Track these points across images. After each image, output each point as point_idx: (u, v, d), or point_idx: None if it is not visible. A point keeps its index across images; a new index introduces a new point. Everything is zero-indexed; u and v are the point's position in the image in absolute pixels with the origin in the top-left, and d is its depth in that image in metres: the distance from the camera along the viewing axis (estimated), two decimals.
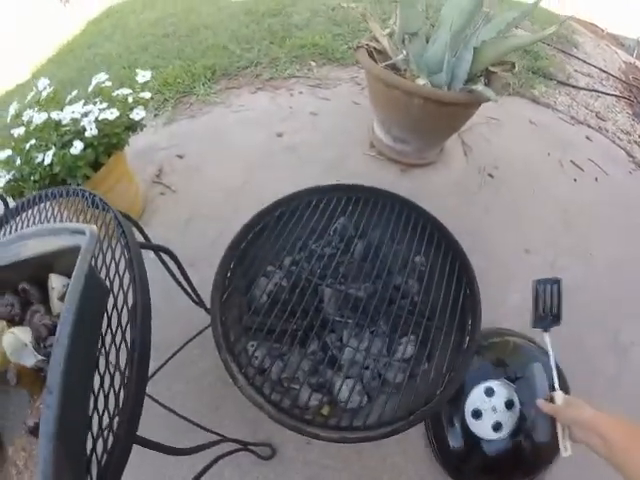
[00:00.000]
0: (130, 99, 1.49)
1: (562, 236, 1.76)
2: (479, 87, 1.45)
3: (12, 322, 0.62)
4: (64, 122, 1.39)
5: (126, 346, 0.56)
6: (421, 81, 1.50)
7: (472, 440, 1.08)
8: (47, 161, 1.29)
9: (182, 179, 1.76)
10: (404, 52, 1.60)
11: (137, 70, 1.57)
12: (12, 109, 1.54)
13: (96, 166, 1.40)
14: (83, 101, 1.48)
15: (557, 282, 0.89)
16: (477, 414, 1.07)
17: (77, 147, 1.32)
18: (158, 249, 0.96)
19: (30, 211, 0.83)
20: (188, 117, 2.09)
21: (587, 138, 2.26)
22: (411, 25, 1.57)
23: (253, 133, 1.99)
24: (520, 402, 1.04)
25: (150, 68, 2.41)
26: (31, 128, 1.40)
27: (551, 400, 0.79)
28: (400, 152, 1.86)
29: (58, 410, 0.43)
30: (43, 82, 1.56)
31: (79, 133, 1.36)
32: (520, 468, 1.11)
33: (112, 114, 1.38)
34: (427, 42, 1.64)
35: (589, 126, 2.34)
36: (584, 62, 2.93)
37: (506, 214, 1.77)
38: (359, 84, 2.27)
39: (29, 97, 1.54)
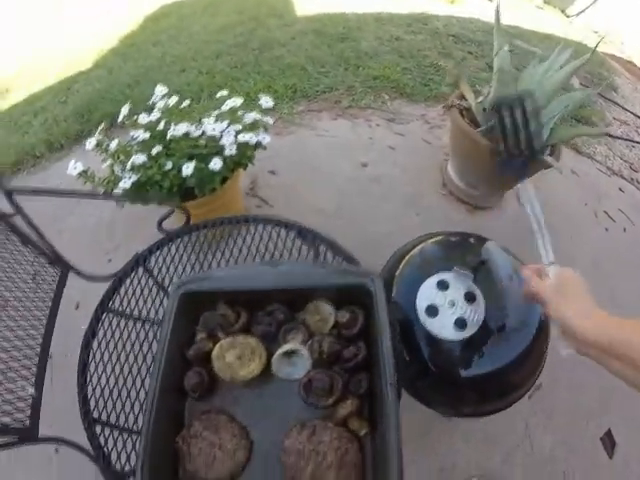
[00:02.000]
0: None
1: (590, 275, 1.88)
2: (547, 157, 1.62)
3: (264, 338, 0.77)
4: (194, 135, 1.48)
5: None
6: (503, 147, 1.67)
7: (432, 347, 0.89)
8: (187, 172, 1.36)
9: (277, 195, 1.86)
10: (492, 120, 1.73)
11: (260, 95, 1.66)
12: (124, 109, 1.61)
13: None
14: (214, 118, 1.57)
15: (521, 100, 0.73)
16: (432, 311, 0.88)
17: (217, 164, 1.40)
18: None
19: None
20: (274, 134, 2.16)
21: (620, 189, 2.37)
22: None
23: (339, 159, 2.09)
24: (482, 293, 0.88)
25: (231, 79, 2.51)
26: (168, 137, 1.47)
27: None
28: (469, 195, 2.00)
29: None
30: (160, 89, 1.64)
31: (217, 150, 1.46)
32: (496, 383, 0.93)
33: (251, 138, 1.48)
34: None
35: (622, 177, 2.44)
36: (622, 108, 2.85)
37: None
38: (428, 122, 2.38)
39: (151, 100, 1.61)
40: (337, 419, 0.69)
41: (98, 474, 1.33)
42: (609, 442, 1.37)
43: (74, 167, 1.49)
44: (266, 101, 1.65)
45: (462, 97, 1.85)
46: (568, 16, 3.26)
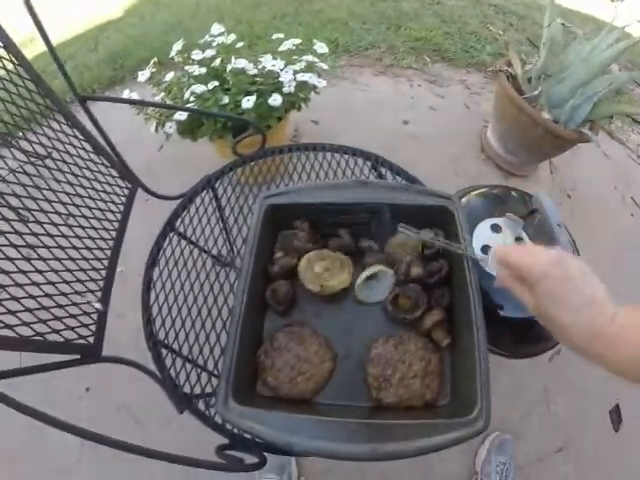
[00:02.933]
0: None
1: (612, 258, 1.86)
2: (587, 131, 1.65)
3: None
4: (250, 72, 1.45)
5: None
6: (546, 115, 1.69)
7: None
8: (247, 106, 1.35)
9: None
10: (539, 89, 1.72)
11: (314, 40, 1.64)
12: (177, 46, 1.58)
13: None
14: (271, 56, 1.54)
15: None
16: (485, 251, 0.94)
17: (277, 100, 1.39)
18: None
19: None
20: None
21: None
22: (550, 68, 1.72)
23: (380, 114, 2.06)
24: (530, 239, 0.94)
25: (273, 29, 2.45)
26: (227, 72, 1.45)
27: None
28: (507, 162, 1.99)
29: None
30: (217, 27, 1.61)
31: (278, 87, 1.43)
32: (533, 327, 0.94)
33: (310, 78, 1.45)
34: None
35: None
36: None
37: (574, 231, 1.93)
38: (468, 88, 2.35)
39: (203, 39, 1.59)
40: (422, 330, 0.70)
41: (129, 414, 1.39)
42: (616, 417, 1.41)
43: (129, 95, 1.48)
44: (321, 47, 1.62)
45: (509, 64, 1.83)
46: (613, 0, 3.14)
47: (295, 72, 1.46)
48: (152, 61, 1.57)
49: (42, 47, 0.79)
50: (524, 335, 1.01)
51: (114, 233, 0.91)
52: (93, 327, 0.77)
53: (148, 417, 1.36)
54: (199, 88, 1.38)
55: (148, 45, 2.59)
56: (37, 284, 0.68)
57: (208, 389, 0.80)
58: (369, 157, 1.03)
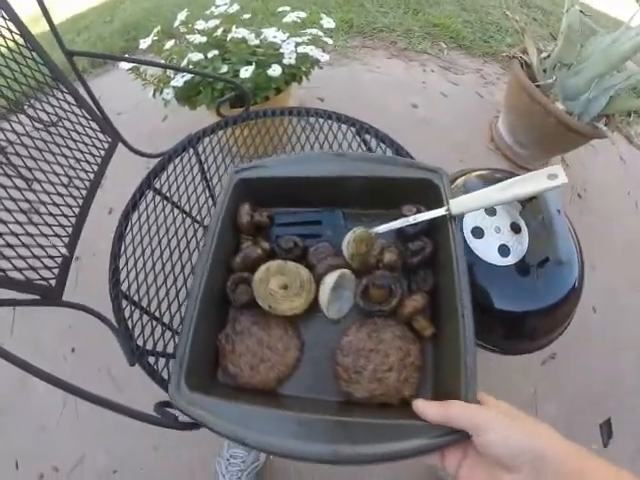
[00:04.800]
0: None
1: (620, 262, 1.78)
2: (602, 126, 1.55)
3: None
4: (251, 43, 1.37)
5: None
6: (560, 105, 1.58)
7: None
8: (245, 75, 1.27)
9: None
10: (554, 77, 1.62)
11: (322, 15, 1.53)
12: (181, 16, 1.50)
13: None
14: (275, 28, 1.45)
15: None
16: (478, 232, 0.86)
17: (276, 70, 1.30)
18: None
19: None
20: (326, 64, 2.04)
21: None
22: (567, 58, 1.62)
23: (390, 96, 1.96)
24: (528, 228, 0.85)
25: (288, 6, 2.35)
26: (227, 41, 1.36)
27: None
28: (516, 153, 1.88)
29: None
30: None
31: (278, 59, 1.34)
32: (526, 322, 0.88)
33: (311, 51, 1.35)
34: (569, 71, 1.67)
35: None
36: None
37: (582, 232, 1.82)
38: (484, 78, 2.22)
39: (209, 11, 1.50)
40: (402, 318, 0.60)
41: (110, 375, 1.34)
42: (607, 431, 1.31)
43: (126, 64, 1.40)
44: (328, 21, 1.52)
45: (525, 52, 1.73)
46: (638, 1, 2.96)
47: (297, 44, 1.36)
48: (155, 30, 1.48)
49: (58, 18, 0.74)
50: (516, 330, 0.90)
51: (88, 183, 0.87)
52: (56, 271, 0.75)
53: (128, 380, 1.33)
54: (196, 56, 1.29)
55: (162, 17, 2.50)
56: (5, 222, 0.66)
57: (161, 344, 0.76)
58: (354, 124, 0.96)
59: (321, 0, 2.40)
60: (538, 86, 1.61)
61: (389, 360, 0.57)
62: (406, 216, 0.59)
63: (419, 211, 0.61)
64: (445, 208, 0.57)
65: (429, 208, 0.60)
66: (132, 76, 1.43)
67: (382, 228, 0.60)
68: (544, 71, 1.68)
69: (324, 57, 1.42)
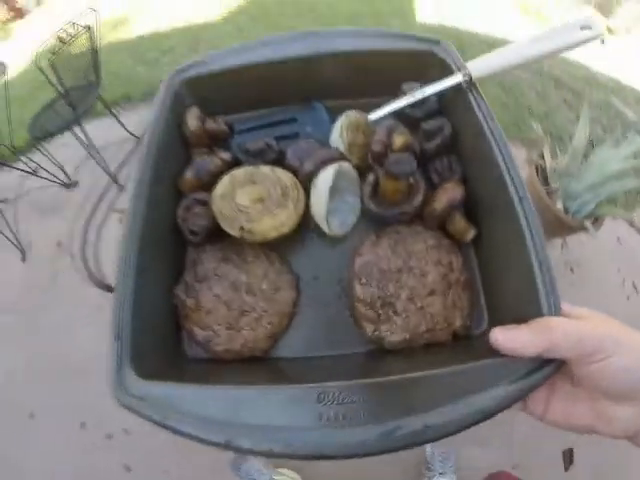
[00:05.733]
0: None
1: None
2: (588, 224, 1.75)
3: None
4: None
5: None
6: (559, 205, 1.82)
7: None
8: None
9: None
10: (557, 184, 1.87)
11: None
12: None
13: None
14: None
15: None
16: None
17: None
18: None
19: None
20: None
21: None
22: (572, 169, 1.86)
23: None
24: None
25: None
26: None
27: None
28: None
29: None
30: None
31: None
32: None
33: None
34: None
35: None
36: None
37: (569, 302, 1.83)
38: None
39: None
40: (431, 219, 0.43)
41: None
42: (568, 458, 1.40)
43: None
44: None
45: (542, 156, 1.96)
46: None
47: None
48: None
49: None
50: None
51: None
52: None
53: None
54: None
55: None
56: None
57: None
58: None
59: None
60: (548, 184, 1.84)
61: (428, 280, 0.40)
62: (406, 93, 0.47)
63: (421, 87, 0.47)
64: (463, 73, 0.44)
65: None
66: None
67: (378, 112, 0.46)
68: (546, 182, 1.89)
69: None
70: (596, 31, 0.42)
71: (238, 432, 0.29)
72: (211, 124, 0.47)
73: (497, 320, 0.36)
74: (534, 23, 3.88)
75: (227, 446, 0.28)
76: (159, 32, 3.16)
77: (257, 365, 0.39)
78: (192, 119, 0.46)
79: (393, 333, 0.38)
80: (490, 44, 3.17)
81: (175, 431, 0.29)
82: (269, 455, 0.28)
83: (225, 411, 0.29)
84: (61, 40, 1.62)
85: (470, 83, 0.44)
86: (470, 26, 3.42)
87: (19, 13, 8.53)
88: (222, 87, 0.50)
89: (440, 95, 0.46)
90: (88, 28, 1.64)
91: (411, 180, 0.43)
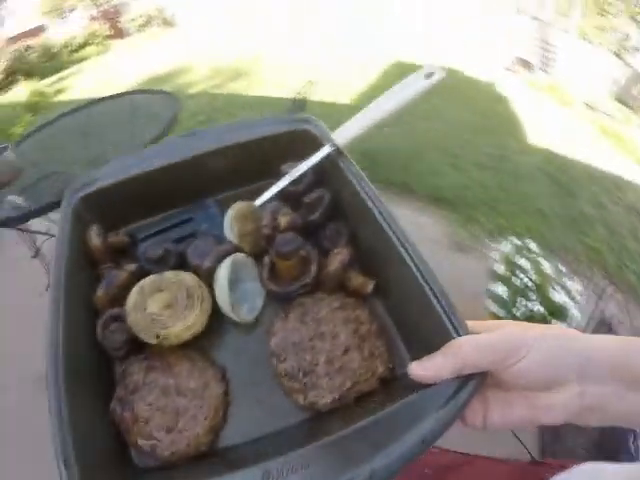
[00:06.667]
0: None
1: None
2: None
3: None
4: None
5: None
6: None
7: None
8: None
9: None
10: None
11: None
12: None
13: None
14: None
15: None
16: None
17: None
18: None
19: None
20: None
21: None
22: None
23: None
24: None
25: None
26: None
27: None
28: None
29: None
30: None
31: None
32: None
33: None
34: None
35: None
36: None
37: None
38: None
39: None
40: (330, 284, 0.47)
41: None
42: None
43: None
44: None
45: None
46: None
47: None
48: None
49: None
50: None
51: None
52: None
53: None
54: None
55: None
56: None
57: None
58: None
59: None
60: None
61: (341, 340, 0.44)
62: (286, 173, 0.54)
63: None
64: (329, 144, 0.50)
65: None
66: None
67: (263, 197, 0.51)
68: None
69: None
70: (438, 76, 0.50)
71: None
72: (112, 237, 0.50)
73: (417, 355, 0.39)
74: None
75: None
76: (326, 102, 3.62)
77: (206, 460, 0.41)
78: (93, 237, 0.48)
79: (323, 397, 0.42)
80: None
81: None
82: None
83: None
84: None
85: (338, 152, 0.50)
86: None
87: (119, 33, 9.37)
88: (115, 200, 0.52)
89: (317, 168, 0.51)
90: None
91: (303, 253, 0.48)
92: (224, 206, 0.53)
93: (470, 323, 0.38)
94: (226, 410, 0.44)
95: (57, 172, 1.76)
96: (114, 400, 0.43)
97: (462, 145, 3.24)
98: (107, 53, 8.45)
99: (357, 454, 0.32)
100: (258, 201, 0.51)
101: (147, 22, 9.41)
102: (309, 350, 0.44)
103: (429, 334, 0.39)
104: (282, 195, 0.52)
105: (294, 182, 0.52)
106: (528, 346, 0.34)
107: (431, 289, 0.38)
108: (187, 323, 0.45)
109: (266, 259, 0.49)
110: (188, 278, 0.47)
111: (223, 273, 0.46)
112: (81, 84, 6.43)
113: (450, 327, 0.37)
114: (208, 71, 5.79)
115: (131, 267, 0.48)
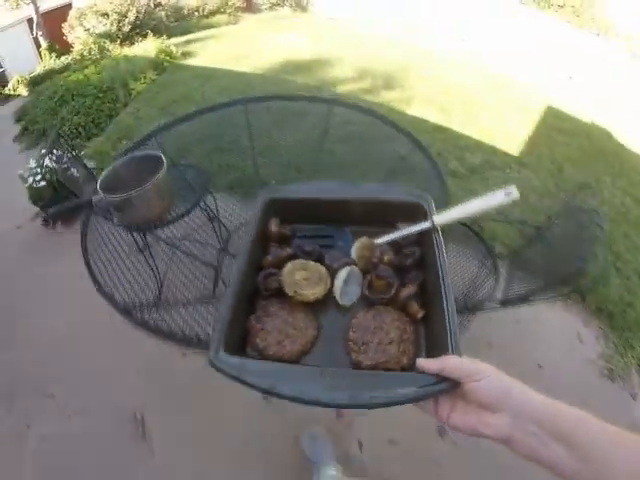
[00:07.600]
0: None
1: None
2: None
3: None
4: None
5: None
6: None
7: None
8: None
9: None
10: None
11: None
12: None
13: None
14: None
15: None
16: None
17: None
18: None
19: None
20: None
21: None
22: None
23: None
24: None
25: None
26: None
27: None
28: None
29: None
30: None
31: None
32: None
33: None
34: None
35: None
36: None
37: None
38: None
39: None
40: (398, 304, 0.76)
41: None
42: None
43: None
44: None
45: None
46: None
47: None
48: None
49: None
50: None
51: None
52: None
53: None
54: None
55: None
56: None
57: None
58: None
59: None
60: None
61: (390, 335, 0.73)
62: (400, 230, 0.84)
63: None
64: (430, 222, 0.81)
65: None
66: None
67: (382, 239, 0.83)
68: None
69: None
70: (514, 196, 0.78)
71: (278, 385, 0.60)
72: (283, 229, 0.85)
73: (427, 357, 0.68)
74: None
75: (272, 392, 0.57)
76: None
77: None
78: (273, 225, 0.84)
79: (366, 360, 0.71)
80: None
81: (244, 383, 0.60)
82: (292, 399, 0.58)
83: (272, 374, 0.63)
84: None
85: (435, 227, 0.80)
86: None
87: (250, 7, 9.59)
88: (292, 207, 0.89)
89: (418, 232, 0.83)
90: None
91: (390, 281, 0.78)
92: (355, 235, 0.86)
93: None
94: (312, 346, 0.74)
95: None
96: (253, 316, 0.77)
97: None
98: (236, 25, 8.16)
99: (367, 387, 0.59)
100: (379, 240, 0.83)
101: (280, 1, 9.20)
102: (370, 333, 0.74)
103: (439, 350, 0.66)
104: (391, 241, 0.84)
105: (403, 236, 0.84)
106: (484, 375, 0.50)
107: (450, 329, 0.66)
108: (314, 291, 0.77)
109: (368, 276, 0.81)
110: (322, 269, 0.81)
111: (342, 274, 0.79)
112: (208, 52, 6.37)
113: (450, 349, 0.63)
114: (353, 71, 5.51)
115: (288, 251, 0.83)
